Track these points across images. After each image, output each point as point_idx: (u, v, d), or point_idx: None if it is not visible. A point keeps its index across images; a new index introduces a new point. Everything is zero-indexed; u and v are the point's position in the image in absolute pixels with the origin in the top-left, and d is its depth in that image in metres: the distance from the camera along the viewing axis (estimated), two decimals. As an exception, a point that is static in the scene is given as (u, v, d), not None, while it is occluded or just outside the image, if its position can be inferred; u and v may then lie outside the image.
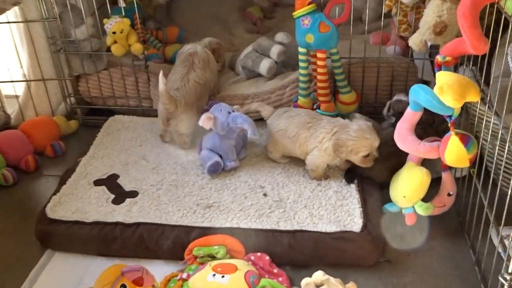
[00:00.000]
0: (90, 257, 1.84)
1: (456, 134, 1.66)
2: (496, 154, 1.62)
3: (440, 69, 1.67)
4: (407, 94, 1.86)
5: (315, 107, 2.15)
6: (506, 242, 1.64)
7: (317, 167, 1.96)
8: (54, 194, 1.99)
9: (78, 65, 2.44)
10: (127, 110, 2.51)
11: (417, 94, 1.67)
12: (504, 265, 1.43)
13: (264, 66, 2.33)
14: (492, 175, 1.71)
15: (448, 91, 1.56)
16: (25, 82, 2.48)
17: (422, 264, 1.75)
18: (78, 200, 1.96)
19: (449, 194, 1.85)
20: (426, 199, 1.81)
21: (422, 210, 1.81)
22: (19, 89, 2.54)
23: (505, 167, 1.73)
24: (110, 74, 2.44)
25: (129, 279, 1.52)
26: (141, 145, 2.28)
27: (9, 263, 1.85)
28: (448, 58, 1.65)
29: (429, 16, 1.84)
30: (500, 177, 1.60)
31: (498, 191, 1.57)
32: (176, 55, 2.34)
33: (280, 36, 2.47)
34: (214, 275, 1.59)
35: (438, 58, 1.67)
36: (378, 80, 2.24)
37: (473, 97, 1.58)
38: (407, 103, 2.02)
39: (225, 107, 2.05)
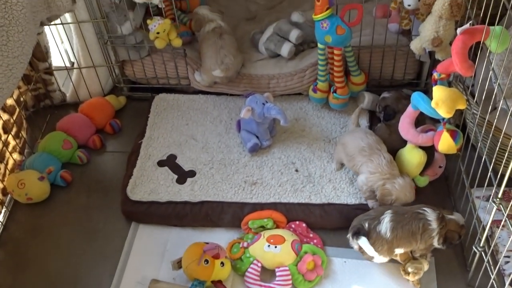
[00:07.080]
0: (168, 228, 2.37)
1: (447, 130, 2.17)
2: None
3: (436, 84, 2.12)
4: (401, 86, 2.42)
5: (332, 90, 2.60)
6: (477, 202, 2.22)
7: (361, 188, 2.30)
8: (129, 177, 2.49)
9: (124, 53, 2.81)
10: (169, 88, 2.93)
11: (418, 103, 2.14)
12: (477, 237, 2.02)
13: (285, 50, 2.72)
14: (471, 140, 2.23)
15: (442, 105, 2.04)
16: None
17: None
18: (149, 182, 2.47)
19: (440, 167, 2.40)
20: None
21: (420, 183, 2.36)
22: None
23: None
24: (152, 60, 2.82)
25: (210, 255, 2.10)
26: (187, 123, 2.74)
27: (104, 234, 2.38)
28: (442, 76, 2.10)
29: (428, 30, 2.22)
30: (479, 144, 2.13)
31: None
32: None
33: (296, 17, 2.82)
34: (268, 245, 2.18)
35: (435, 75, 2.11)
36: (383, 62, 2.67)
37: (461, 106, 2.06)
38: (391, 99, 2.49)
39: (260, 99, 2.49)
